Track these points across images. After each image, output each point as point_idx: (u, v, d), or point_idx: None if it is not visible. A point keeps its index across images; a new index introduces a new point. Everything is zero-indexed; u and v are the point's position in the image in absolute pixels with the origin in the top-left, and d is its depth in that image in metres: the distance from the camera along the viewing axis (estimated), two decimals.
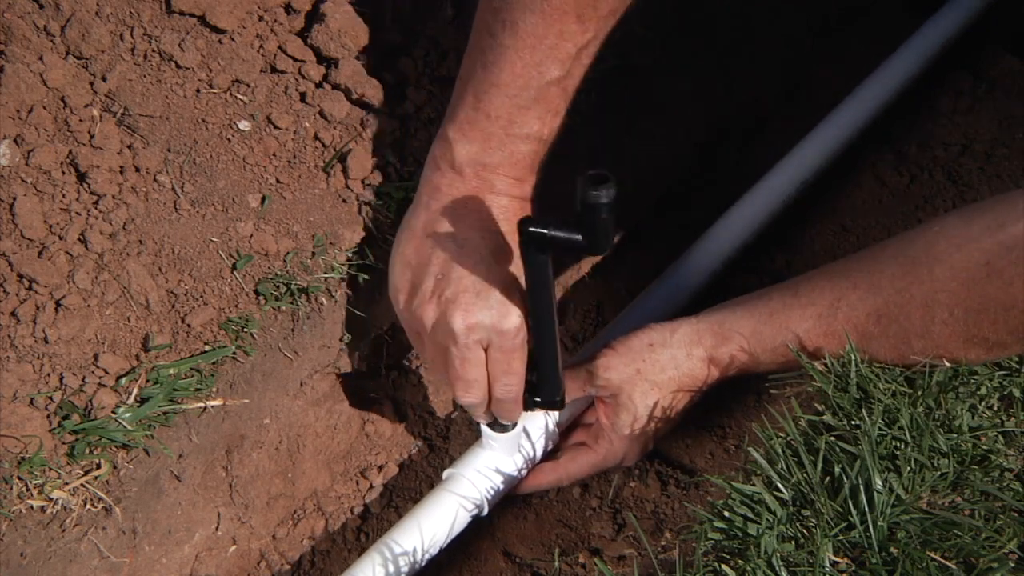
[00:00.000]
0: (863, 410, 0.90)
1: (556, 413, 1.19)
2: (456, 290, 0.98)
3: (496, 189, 0.99)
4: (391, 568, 1.07)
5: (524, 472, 1.18)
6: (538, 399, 1.08)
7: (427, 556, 1.11)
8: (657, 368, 1.09)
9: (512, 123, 0.96)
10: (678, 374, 1.09)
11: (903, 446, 0.87)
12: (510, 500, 1.25)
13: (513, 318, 0.99)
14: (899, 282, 0.95)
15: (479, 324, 0.98)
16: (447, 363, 1.02)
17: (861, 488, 0.83)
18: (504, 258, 0.99)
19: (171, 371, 1.07)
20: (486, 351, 1.01)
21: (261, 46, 1.21)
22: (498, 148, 0.97)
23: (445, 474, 1.16)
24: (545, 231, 0.88)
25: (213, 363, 1.10)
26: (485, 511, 1.15)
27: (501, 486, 1.15)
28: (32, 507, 0.99)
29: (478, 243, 0.98)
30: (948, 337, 0.92)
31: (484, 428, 1.13)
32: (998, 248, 0.88)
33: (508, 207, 0.99)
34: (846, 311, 0.98)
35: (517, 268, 0.99)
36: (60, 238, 1.07)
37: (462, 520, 1.13)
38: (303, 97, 1.22)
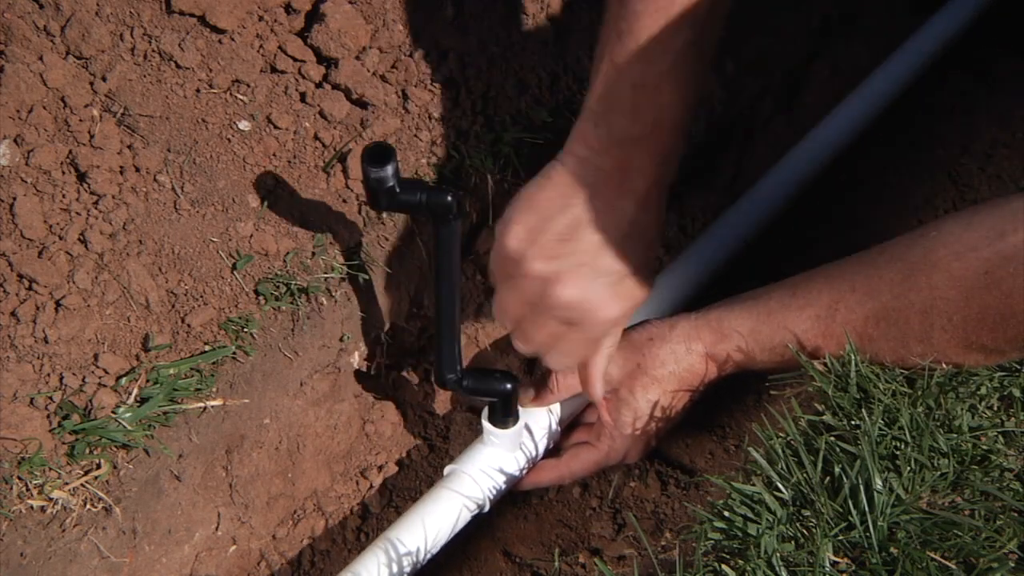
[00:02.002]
0: (863, 410, 0.90)
1: (558, 410, 1.19)
2: (577, 259, 0.94)
3: (637, 168, 0.94)
4: (394, 566, 1.07)
5: (525, 469, 1.18)
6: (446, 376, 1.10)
7: (429, 553, 1.11)
8: (657, 362, 1.10)
9: (657, 91, 0.91)
10: (678, 369, 1.10)
11: (903, 446, 0.87)
12: (510, 500, 1.25)
13: (613, 310, 0.96)
14: (897, 287, 0.95)
15: (579, 304, 0.95)
16: (524, 317, 0.99)
17: (861, 488, 0.83)
18: (631, 246, 0.95)
19: (171, 371, 1.07)
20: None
21: (261, 46, 1.21)
22: (643, 119, 0.92)
23: (446, 470, 1.16)
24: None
25: (213, 363, 1.10)
26: (487, 508, 1.15)
27: (503, 483, 1.15)
28: (32, 507, 0.99)
29: (612, 220, 0.94)
30: (947, 343, 0.92)
31: (486, 424, 1.13)
32: (997, 258, 0.88)
33: (646, 191, 0.94)
34: (844, 313, 0.98)
35: (637, 258, 0.96)
36: (60, 238, 1.07)
37: (464, 517, 1.13)
38: (303, 97, 1.22)
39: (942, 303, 0.91)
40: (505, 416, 1.12)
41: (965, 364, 0.93)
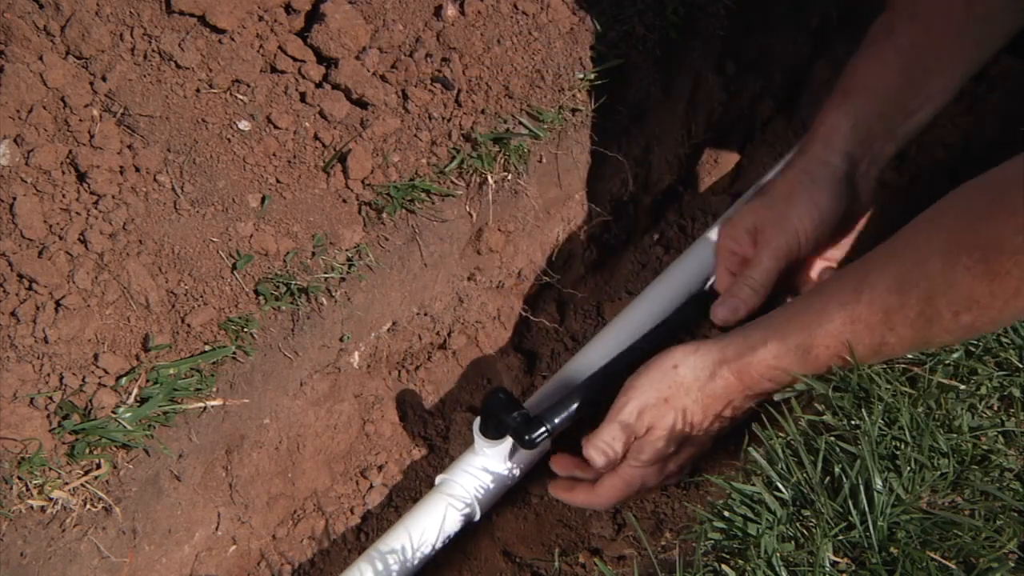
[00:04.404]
0: (863, 410, 0.90)
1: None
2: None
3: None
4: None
5: (516, 475, 1.18)
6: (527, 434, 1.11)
7: (417, 560, 1.11)
8: (682, 391, 1.05)
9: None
10: (702, 396, 1.05)
11: (903, 446, 0.87)
12: (510, 500, 1.25)
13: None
14: (915, 240, 0.94)
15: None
16: None
17: (861, 488, 0.83)
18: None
19: (171, 371, 1.07)
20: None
21: (261, 46, 1.21)
22: None
23: (438, 480, 1.17)
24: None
25: (213, 363, 1.10)
26: (477, 516, 1.15)
27: (492, 490, 1.16)
28: (32, 507, 0.99)
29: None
30: (971, 283, 0.88)
31: (476, 434, 1.13)
32: (1004, 182, 0.88)
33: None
34: (868, 292, 0.95)
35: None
36: (60, 238, 1.07)
37: (452, 527, 1.14)
38: (303, 97, 1.22)
39: (960, 238, 0.89)
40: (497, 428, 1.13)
41: (993, 306, 0.87)
